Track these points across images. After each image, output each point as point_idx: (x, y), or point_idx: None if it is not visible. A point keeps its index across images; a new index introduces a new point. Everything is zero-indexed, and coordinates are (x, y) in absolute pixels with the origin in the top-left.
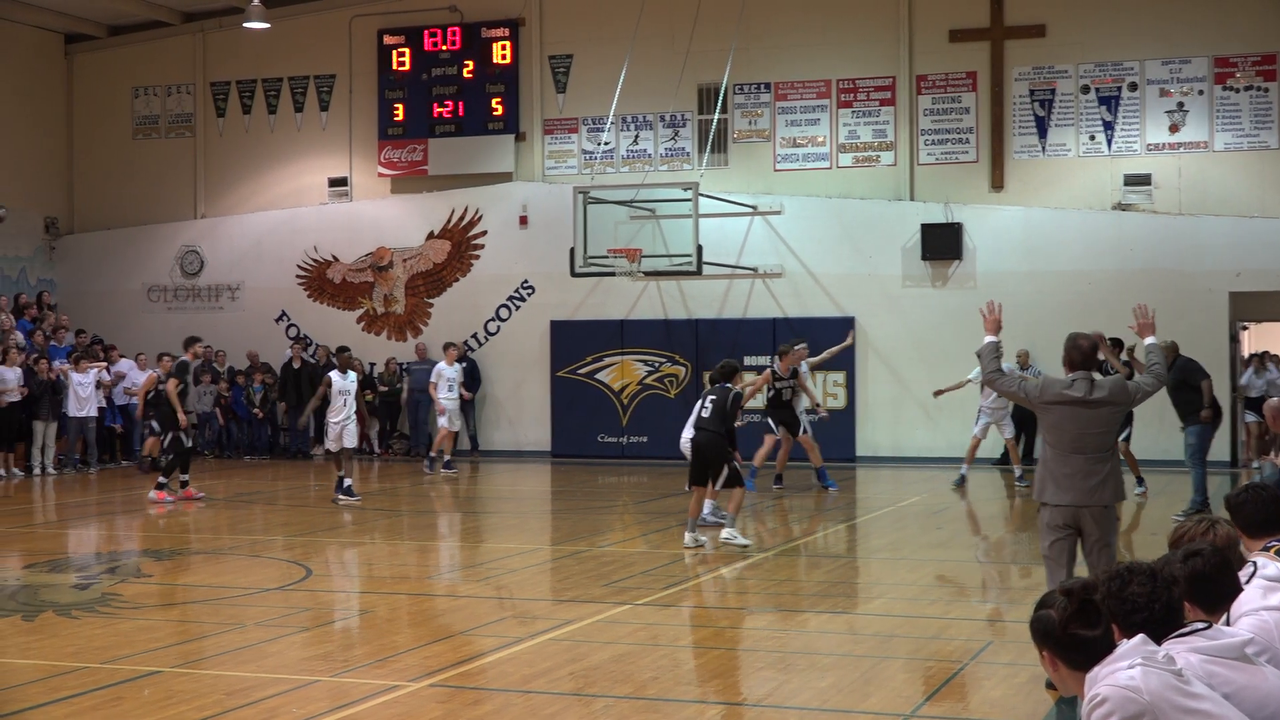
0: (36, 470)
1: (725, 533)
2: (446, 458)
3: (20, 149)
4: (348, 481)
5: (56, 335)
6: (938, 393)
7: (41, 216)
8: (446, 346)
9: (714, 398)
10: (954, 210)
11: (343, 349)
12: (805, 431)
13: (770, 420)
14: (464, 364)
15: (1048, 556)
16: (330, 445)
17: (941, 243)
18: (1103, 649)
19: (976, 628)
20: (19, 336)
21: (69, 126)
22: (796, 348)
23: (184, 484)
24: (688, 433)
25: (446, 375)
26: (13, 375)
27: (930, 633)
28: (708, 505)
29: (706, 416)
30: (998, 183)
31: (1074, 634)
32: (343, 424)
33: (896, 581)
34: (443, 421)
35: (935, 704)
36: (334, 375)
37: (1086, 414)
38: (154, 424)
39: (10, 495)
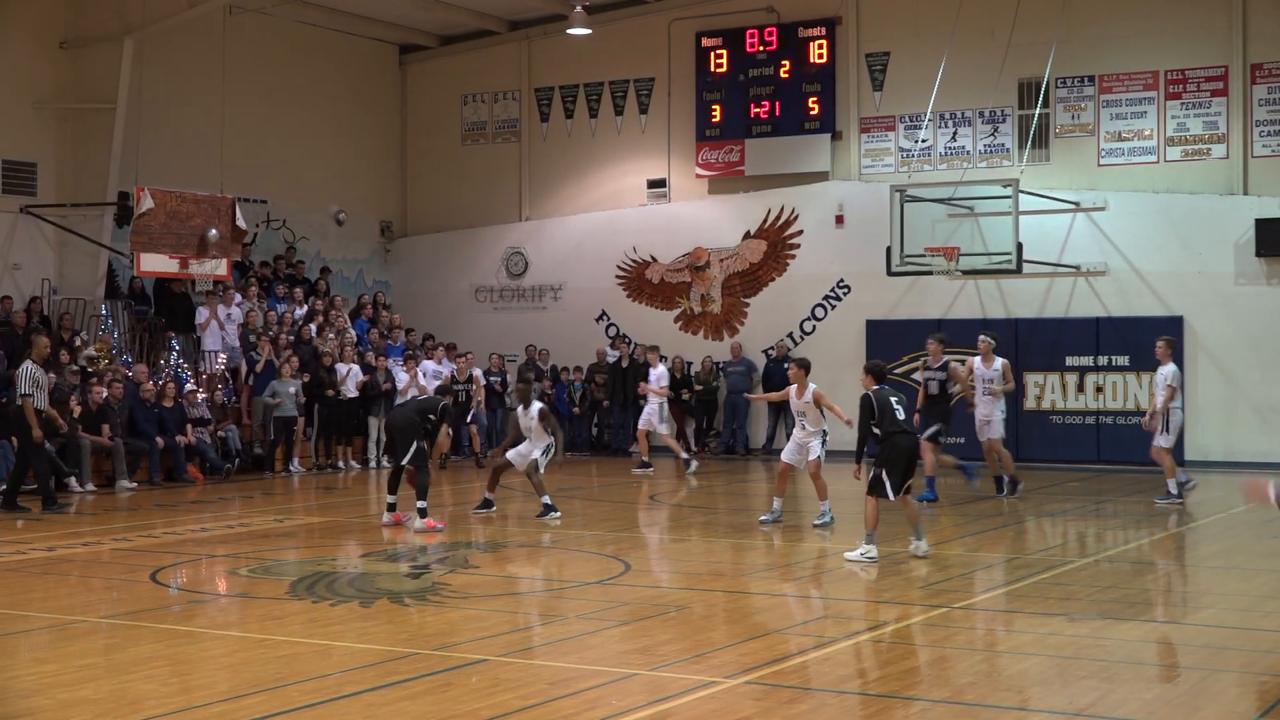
0: (372, 464)
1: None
2: (644, 459)
3: (359, 156)
4: (546, 499)
5: (391, 335)
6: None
7: (377, 220)
8: (650, 349)
9: (897, 399)
10: None
11: (522, 379)
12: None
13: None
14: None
15: None
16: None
17: (1279, 238)
18: None
19: None
20: (353, 334)
21: (403, 133)
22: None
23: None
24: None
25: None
26: (350, 372)
27: (1265, 646)
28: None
29: (903, 419)
30: None
31: None
32: (529, 454)
33: (1228, 591)
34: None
35: None
36: (519, 410)
37: None
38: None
39: (348, 487)
